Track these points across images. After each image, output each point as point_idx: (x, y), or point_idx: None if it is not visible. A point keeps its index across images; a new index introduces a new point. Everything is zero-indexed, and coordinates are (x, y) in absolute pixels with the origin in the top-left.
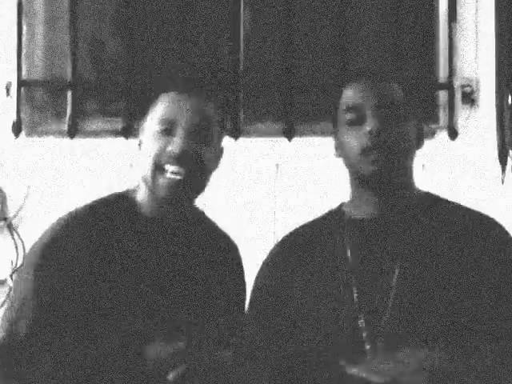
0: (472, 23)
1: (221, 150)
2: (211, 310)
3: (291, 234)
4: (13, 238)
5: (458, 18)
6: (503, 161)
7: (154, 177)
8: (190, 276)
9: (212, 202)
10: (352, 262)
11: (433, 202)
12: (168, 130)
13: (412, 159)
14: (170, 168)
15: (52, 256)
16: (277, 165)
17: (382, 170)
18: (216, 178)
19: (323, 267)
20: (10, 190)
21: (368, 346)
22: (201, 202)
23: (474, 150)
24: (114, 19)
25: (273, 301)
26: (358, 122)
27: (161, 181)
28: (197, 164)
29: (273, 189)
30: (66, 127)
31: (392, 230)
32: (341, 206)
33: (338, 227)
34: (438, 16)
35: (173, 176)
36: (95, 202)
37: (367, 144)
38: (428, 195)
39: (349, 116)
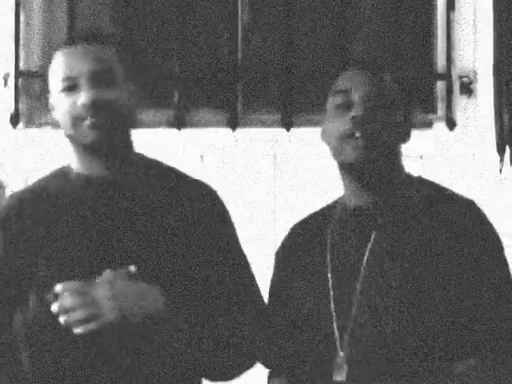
0: (470, 13)
1: (134, 91)
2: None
3: (292, 232)
4: None
5: (456, 7)
6: (501, 150)
7: (75, 125)
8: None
9: None
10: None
11: (424, 188)
12: (72, 85)
13: (398, 152)
14: (88, 120)
15: None
16: (275, 155)
17: (363, 158)
18: (216, 178)
19: (323, 267)
20: (9, 186)
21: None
22: None
23: (472, 143)
24: (110, 8)
25: (273, 301)
26: (345, 106)
27: (84, 125)
28: (110, 108)
29: (273, 189)
30: None
31: (384, 220)
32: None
33: (333, 221)
34: (436, 5)
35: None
36: (39, 178)
37: (350, 129)
38: (420, 180)
39: (337, 99)
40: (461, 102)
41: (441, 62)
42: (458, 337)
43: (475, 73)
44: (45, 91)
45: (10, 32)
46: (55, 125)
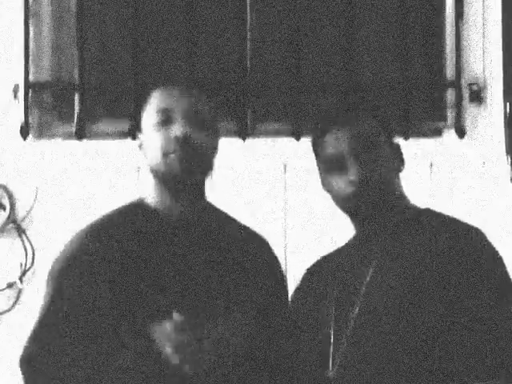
0: (479, 20)
1: (217, 133)
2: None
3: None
4: (22, 241)
5: (465, 15)
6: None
7: (164, 161)
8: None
9: (217, 203)
10: (350, 265)
11: (429, 215)
12: (166, 120)
13: (397, 179)
14: (177, 153)
15: (71, 269)
16: (285, 165)
17: (357, 193)
18: (222, 179)
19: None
20: (19, 192)
21: None
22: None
23: (482, 151)
24: (119, 20)
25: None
26: (339, 168)
27: (171, 158)
28: (199, 147)
29: (278, 188)
30: (73, 129)
31: (390, 242)
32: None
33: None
34: (444, 13)
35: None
36: (111, 212)
37: (352, 192)
38: (426, 210)
39: (329, 165)
40: (470, 110)
41: (450, 69)
42: (458, 337)
43: (485, 80)
44: (55, 103)
45: (19, 44)
46: (65, 136)
